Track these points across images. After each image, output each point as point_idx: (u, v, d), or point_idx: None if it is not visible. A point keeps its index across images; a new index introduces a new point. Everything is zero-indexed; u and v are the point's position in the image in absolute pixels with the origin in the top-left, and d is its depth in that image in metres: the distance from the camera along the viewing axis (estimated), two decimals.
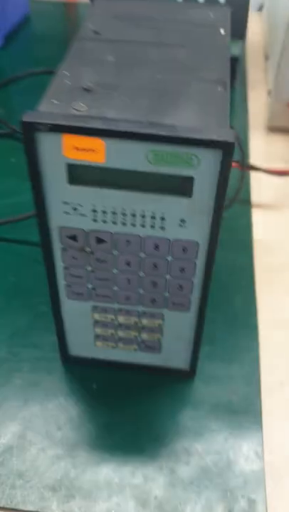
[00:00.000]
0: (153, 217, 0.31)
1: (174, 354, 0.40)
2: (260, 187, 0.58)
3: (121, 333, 0.39)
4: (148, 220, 0.31)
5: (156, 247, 0.32)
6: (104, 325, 0.38)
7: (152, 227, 0.31)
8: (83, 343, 0.40)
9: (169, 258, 0.33)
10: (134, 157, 0.28)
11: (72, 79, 0.31)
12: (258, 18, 0.89)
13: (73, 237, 0.33)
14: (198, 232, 0.31)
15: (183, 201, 0.30)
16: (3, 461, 0.36)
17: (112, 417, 0.39)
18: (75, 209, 0.31)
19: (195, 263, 0.33)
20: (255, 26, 0.86)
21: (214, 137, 0.26)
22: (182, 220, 0.31)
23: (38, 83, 0.72)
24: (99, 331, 0.39)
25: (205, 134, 0.26)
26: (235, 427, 0.39)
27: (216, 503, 0.34)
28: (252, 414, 0.39)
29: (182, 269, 0.34)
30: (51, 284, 0.36)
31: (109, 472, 0.36)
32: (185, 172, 0.28)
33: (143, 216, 0.31)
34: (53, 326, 0.41)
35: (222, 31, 0.37)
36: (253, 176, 0.58)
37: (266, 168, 0.55)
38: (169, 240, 0.32)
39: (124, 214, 0.31)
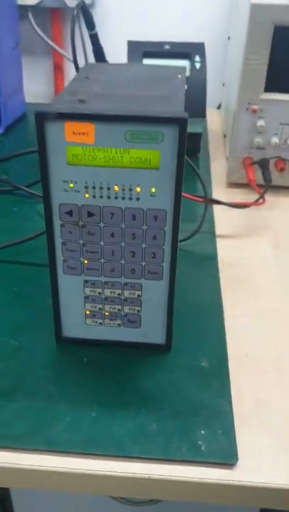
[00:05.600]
0: (130, 190, 0.41)
1: (152, 328, 0.48)
2: (222, 219, 0.69)
3: (107, 308, 0.47)
4: (127, 192, 0.41)
5: (134, 217, 0.42)
6: (93, 299, 0.46)
7: (130, 198, 0.41)
8: (75, 322, 0.48)
9: (144, 227, 0.42)
10: (116, 136, 0.38)
11: (69, 96, 0.43)
12: (218, 113, 1.08)
13: (70, 213, 0.42)
14: (165, 201, 0.41)
15: (153, 173, 0.40)
16: None
17: (100, 381, 0.45)
18: (71, 186, 0.41)
19: (164, 230, 0.42)
20: (216, 118, 1.05)
21: (173, 115, 0.37)
22: (153, 190, 0.40)
23: (31, 159, 0.85)
24: (89, 306, 0.47)
25: (167, 114, 0.37)
26: (206, 384, 0.45)
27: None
28: (221, 376, 0.46)
29: (154, 237, 0.43)
30: (51, 260, 0.45)
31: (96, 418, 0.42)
32: (153, 147, 0.39)
33: (123, 189, 0.41)
34: (48, 322, 0.49)
35: (179, 76, 0.49)
36: (215, 211, 0.70)
37: (227, 201, 0.66)
38: (143, 210, 0.42)
39: (108, 188, 0.41)
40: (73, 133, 0.39)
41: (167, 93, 0.44)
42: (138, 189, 0.41)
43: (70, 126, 0.38)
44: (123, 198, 0.41)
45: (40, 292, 0.56)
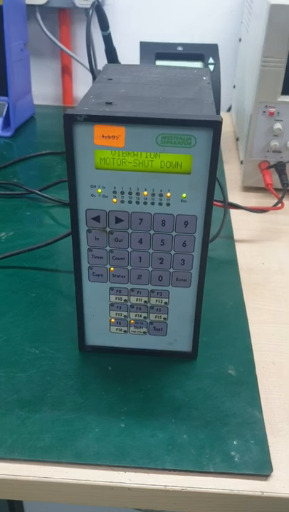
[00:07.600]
0: (160, 195, 0.40)
1: (178, 336, 0.47)
2: (239, 223, 0.68)
3: (132, 315, 0.46)
4: (157, 197, 0.40)
5: (163, 223, 0.41)
6: (119, 307, 0.45)
7: (160, 204, 0.40)
8: (99, 330, 0.47)
9: (173, 233, 0.41)
10: (147, 140, 0.37)
11: (95, 98, 0.41)
12: (228, 115, 1.07)
13: (97, 218, 0.41)
14: (196, 206, 0.40)
15: (184, 177, 0.39)
16: None
17: (127, 391, 0.44)
18: (99, 191, 0.40)
19: (194, 237, 0.41)
20: (226, 120, 1.03)
21: (207, 118, 0.36)
22: (184, 196, 0.39)
23: (41, 162, 0.85)
24: (114, 314, 0.46)
25: (201, 117, 0.36)
26: (235, 393, 0.44)
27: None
28: (249, 384, 0.45)
29: (184, 243, 0.42)
30: (76, 267, 0.44)
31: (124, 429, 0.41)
32: (185, 151, 0.38)
33: (153, 194, 0.40)
34: (68, 329, 0.49)
35: (204, 78, 0.48)
36: (232, 215, 0.69)
37: (246, 206, 0.65)
38: (173, 216, 0.40)
39: (137, 193, 0.40)
40: (102, 136, 0.38)
41: (195, 95, 0.43)
42: (168, 194, 0.40)
43: (99, 130, 0.37)
44: (152, 204, 0.40)
45: (59, 298, 0.55)
